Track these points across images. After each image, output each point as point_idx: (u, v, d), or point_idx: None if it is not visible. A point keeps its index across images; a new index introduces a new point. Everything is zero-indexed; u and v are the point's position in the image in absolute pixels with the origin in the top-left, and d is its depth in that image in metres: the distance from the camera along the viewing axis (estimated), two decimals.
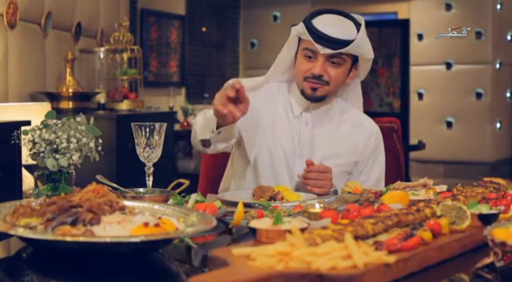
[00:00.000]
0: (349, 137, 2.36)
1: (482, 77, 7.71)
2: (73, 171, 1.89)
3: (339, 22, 2.25)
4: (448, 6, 7.83)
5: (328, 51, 2.20)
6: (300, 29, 2.25)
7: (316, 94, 2.26)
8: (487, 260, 1.27)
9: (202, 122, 2.10)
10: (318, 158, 2.27)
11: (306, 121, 2.32)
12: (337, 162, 2.29)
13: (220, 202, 1.80)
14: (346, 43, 2.19)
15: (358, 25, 2.25)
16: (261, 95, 2.34)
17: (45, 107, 4.00)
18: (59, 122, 1.88)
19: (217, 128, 2.01)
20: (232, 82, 1.97)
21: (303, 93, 2.28)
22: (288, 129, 2.32)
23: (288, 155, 2.30)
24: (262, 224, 1.35)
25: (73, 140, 1.84)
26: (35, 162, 1.88)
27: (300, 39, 2.28)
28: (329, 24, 2.22)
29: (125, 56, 5.28)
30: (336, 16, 2.28)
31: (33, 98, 4.48)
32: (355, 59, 2.28)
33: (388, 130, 3.65)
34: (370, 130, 2.40)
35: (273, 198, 1.95)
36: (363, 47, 2.25)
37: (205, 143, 2.11)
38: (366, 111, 2.46)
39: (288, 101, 2.35)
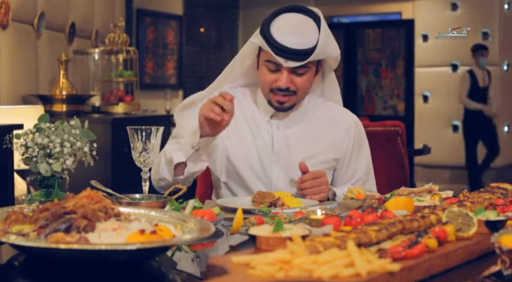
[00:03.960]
0: (325, 134, 2.29)
1: None
2: (67, 176, 1.88)
3: (298, 25, 2.14)
4: (454, 6, 7.81)
5: (292, 64, 2.11)
6: (258, 41, 2.16)
7: (284, 106, 2.20)
8: (495, 268, 1.27)
9: (173, 148, 2.13)
10: (296, 160, 2.22)
11: (278, 125, 2.27)
12: (316, 162, 2.24)
13: (219, 208, 1.79)
14: (309, 52, 2.10)
15: (318, 21, 2.15)
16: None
17: (38, 110, 3.98)
18: (52, 125, 1.87)
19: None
20: (221, 93, 2.02)
21: (270, 103, 2.22)
22: (260, 136, 2.26)
23: (264, 162, 2.24)
24: (262, 231, 1.35)
25: (67, 144, 1.82)
26: (27, 167, 1.87)
27: (260, 48, 2.18)
28: (288, 32, 2.12)
29: (121, 57, 5.25)
30: (293, 16, 2.17)
31: (26, 100, 4.45)
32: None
33: (392, 134, 3.62)
34: (347, 123, 2.33)
35: (273, 204, 1.93)
36: (327, 49, 2.15)
37: (177, 171, 2.11)
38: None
39: (256, 106, 2.29)
